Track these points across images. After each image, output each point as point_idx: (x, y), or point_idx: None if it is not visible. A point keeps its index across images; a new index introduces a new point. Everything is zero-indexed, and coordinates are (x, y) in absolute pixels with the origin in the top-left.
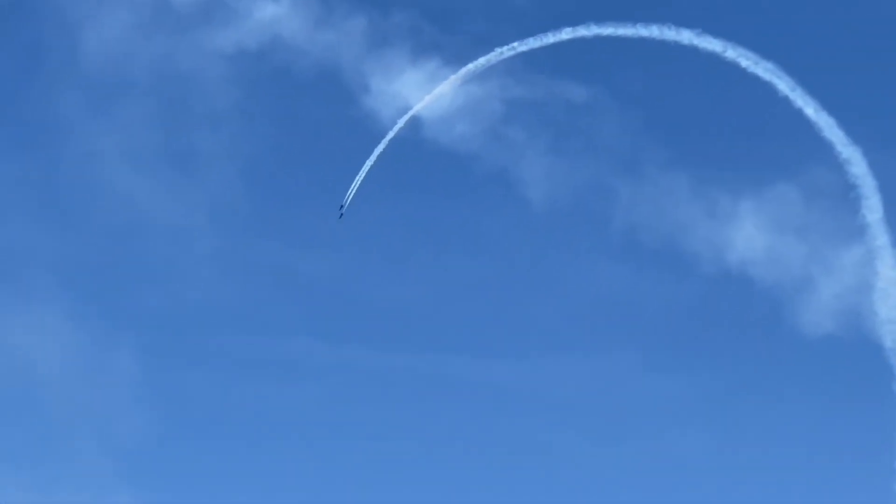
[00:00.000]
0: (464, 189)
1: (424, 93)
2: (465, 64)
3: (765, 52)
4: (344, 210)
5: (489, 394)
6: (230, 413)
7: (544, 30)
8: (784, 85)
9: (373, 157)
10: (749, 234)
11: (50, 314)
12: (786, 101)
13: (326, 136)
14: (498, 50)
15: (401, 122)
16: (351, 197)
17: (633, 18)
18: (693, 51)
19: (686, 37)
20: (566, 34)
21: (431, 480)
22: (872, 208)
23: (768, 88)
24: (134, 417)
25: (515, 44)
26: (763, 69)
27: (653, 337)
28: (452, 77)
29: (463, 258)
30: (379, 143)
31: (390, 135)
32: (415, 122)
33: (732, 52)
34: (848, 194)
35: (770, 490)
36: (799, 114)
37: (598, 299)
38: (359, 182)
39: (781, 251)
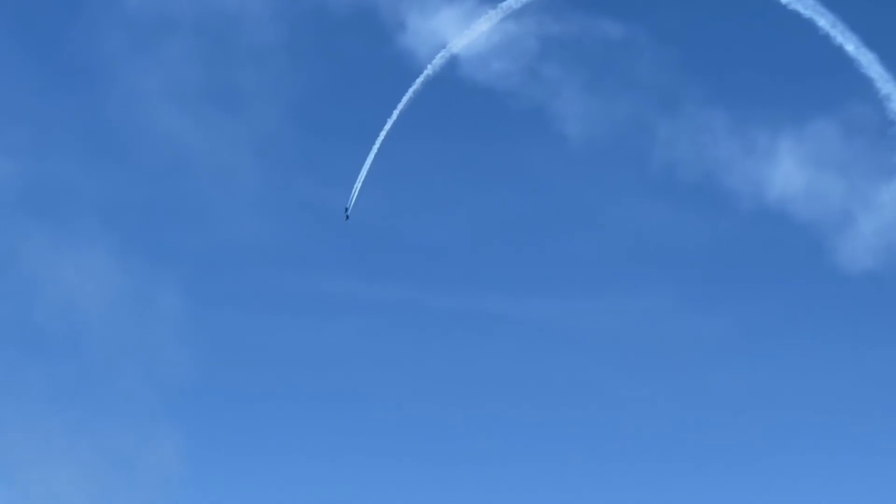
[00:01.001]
0: (500, 126)
1: (461, 30)
2: (501, 1)
3: None
4: (349, 212)
5: (527, 332)
6: (271, 350)
7: None
8: (824, 21)
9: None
10: (788, 171)
11: (94, 253)
12: (826, 37)
13: (364, 74)
14: None
15: (437, 60)
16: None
17: None
18: None
19: None
20: None
21: (468, 417)
22: None
23: (808, 25)
24: (177, 354)
25: None
26: (803, 5)
27: (691, 275)
28: (489, 14)
29: (500, 195)
30: (415, 81)
31: (426, 73)
32: (451, 60)
33: None
34: (887, 130)
35: (809, 426)
36: (839, 50)
37: (635, 236)
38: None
39: (820, 188)
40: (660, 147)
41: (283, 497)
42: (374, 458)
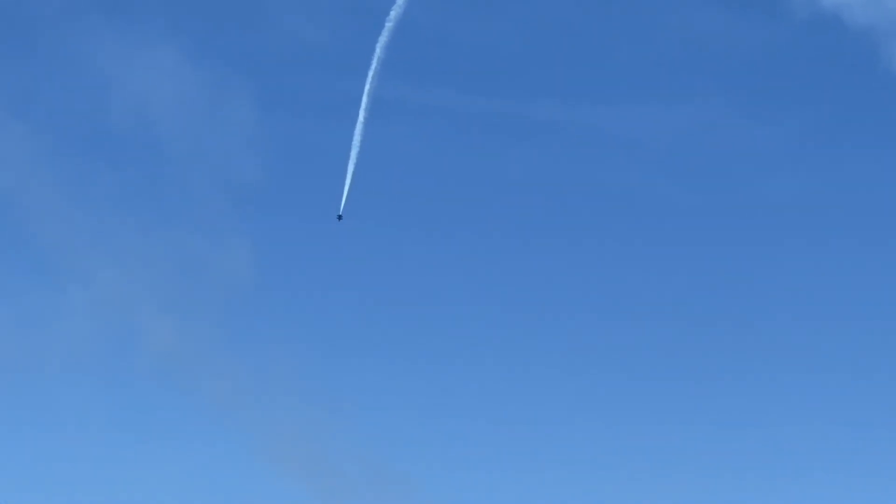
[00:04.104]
0: None
1: None
2: None
3: None
4: (342, 216)
5: (576, 138)
6: (332, 153)
7: None
8: None
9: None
10: None
11: (166, 57)
12: None
13: None
14: None
15: None
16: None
17: None
18: None
19: None
20: None
21: (518, 225)
22: None
23: None
24: (247, 157)
25: None
26: None
27: (744, 82)
28: None
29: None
30: None
31: None
32: None
33: None
34: None
35: (863, 233)
36: None
37: (688, 43)
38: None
39: None
40: None
41: (344, 290)
42: (425, 255)
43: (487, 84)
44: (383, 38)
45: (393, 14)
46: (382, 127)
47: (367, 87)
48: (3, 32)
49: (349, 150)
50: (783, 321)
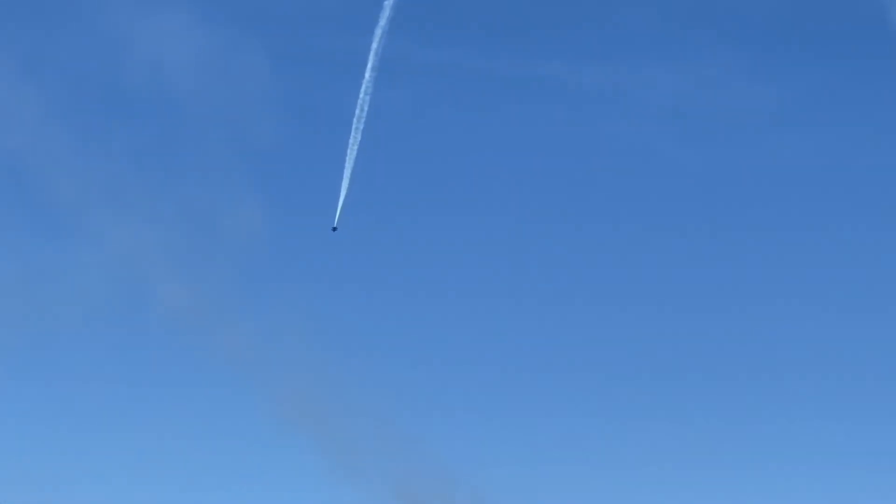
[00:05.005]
0: None
1: None
2: None
3: None
4: (336, 228)
5: (582, 99)
6: (343, 112)
7: None
8: None
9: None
10: None
11: (180, 18)
12: None
13: None
14: None
15: None
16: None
17: None
18: None
19: None
20: None
21: (522, 181)
22: None
23: None
24: (263, 119)
25: None
26: None
27: (751, 39)
28: None
29: None
30: None
31: None
32: None
33: None
34: None
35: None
36: None
37: (695, 2)
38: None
39: None
40: None
41: (357, 250)
42: (433, 212)
43: (493, 44)
44: None
45: None
46: (392, 86)
47: (374, 45)
48: None
49: (349, 107)
50: (790, 291)
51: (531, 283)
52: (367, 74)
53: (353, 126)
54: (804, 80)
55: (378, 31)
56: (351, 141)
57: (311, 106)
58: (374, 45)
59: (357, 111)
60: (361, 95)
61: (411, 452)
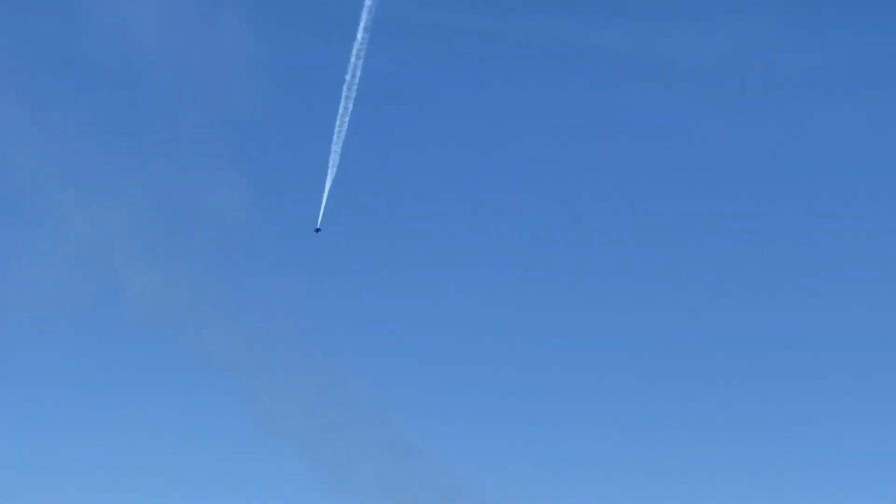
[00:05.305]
0: None
1: None
2: None
3: None
4: (320, 229)
5: (606, 62)
6: (331, 82)
7: None
8: None
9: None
10: None
11: None
12: None
13: None
14: None
15: None
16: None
17: None
18: None
19: None
20: None
21: (543, 146)
22: None
23: None
24: (243, 87)
25: None
26: None
27: (788, 4)
28: None
29: None
30: None
31: None
32: None
33: None
34: None
35: None
36: None
37: None
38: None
39: None
40: None
41: (347, 236)
42: (430, 187)
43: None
44: None
45: None
46: (387, 49)
47: (366, 1)
48: None
49: (353, 75)
50: (831, 281)
51: (538, 278)
52: (360, 35)
53: (344, 94)
54: (842, 47)
55: None
56: (341, 111)
57: (298, 72)
58: (368, 2)
59: (348, 77)
60: (353, 60)
61: (407, 459)
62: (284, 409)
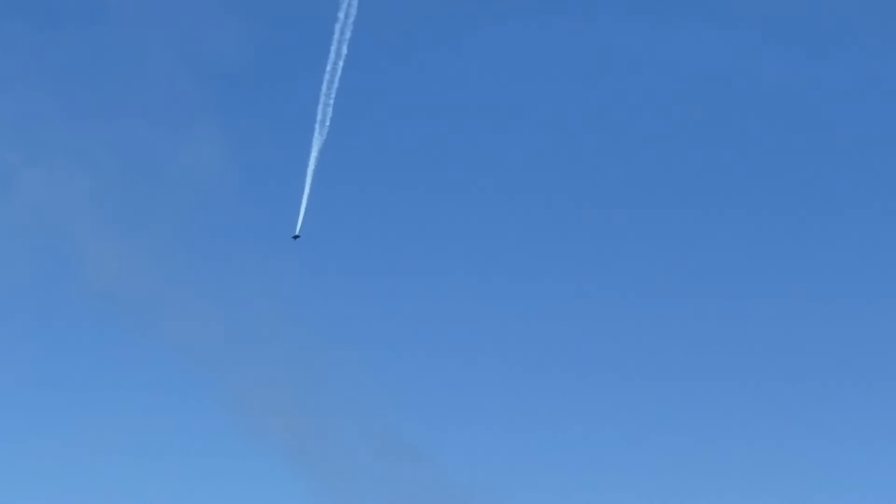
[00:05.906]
0: None
1: None
2: None
3: None
4: (299, 236)
5: (604, 57)
6: (321, 24)
7: None
8: None
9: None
10: None
11: None
12: None
13: None
14: None
15: None
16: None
17: None
18: None
19: None
20: None
21: (530, 126)
22: None
23: None
24: (221, 33)
25: None
26: None
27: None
28: None
29: None
30: None
31: None
32: None
33: None
34: None
35: None
36: None
37: None
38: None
39: None
40: None
41: (336, 199)
42: (425, 150)
43: None
44: None
45: None
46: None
47: None
48: None
49: (347, 14)
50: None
51: (538, 273)
52: None
53: (335, 39)
54: (853, 59)
55: None
56: (332, 56)
57: (282, 16)
58: None
59: (339, 25)
60: (345, 6)
61: (399, 460)
62: (267, 407)
